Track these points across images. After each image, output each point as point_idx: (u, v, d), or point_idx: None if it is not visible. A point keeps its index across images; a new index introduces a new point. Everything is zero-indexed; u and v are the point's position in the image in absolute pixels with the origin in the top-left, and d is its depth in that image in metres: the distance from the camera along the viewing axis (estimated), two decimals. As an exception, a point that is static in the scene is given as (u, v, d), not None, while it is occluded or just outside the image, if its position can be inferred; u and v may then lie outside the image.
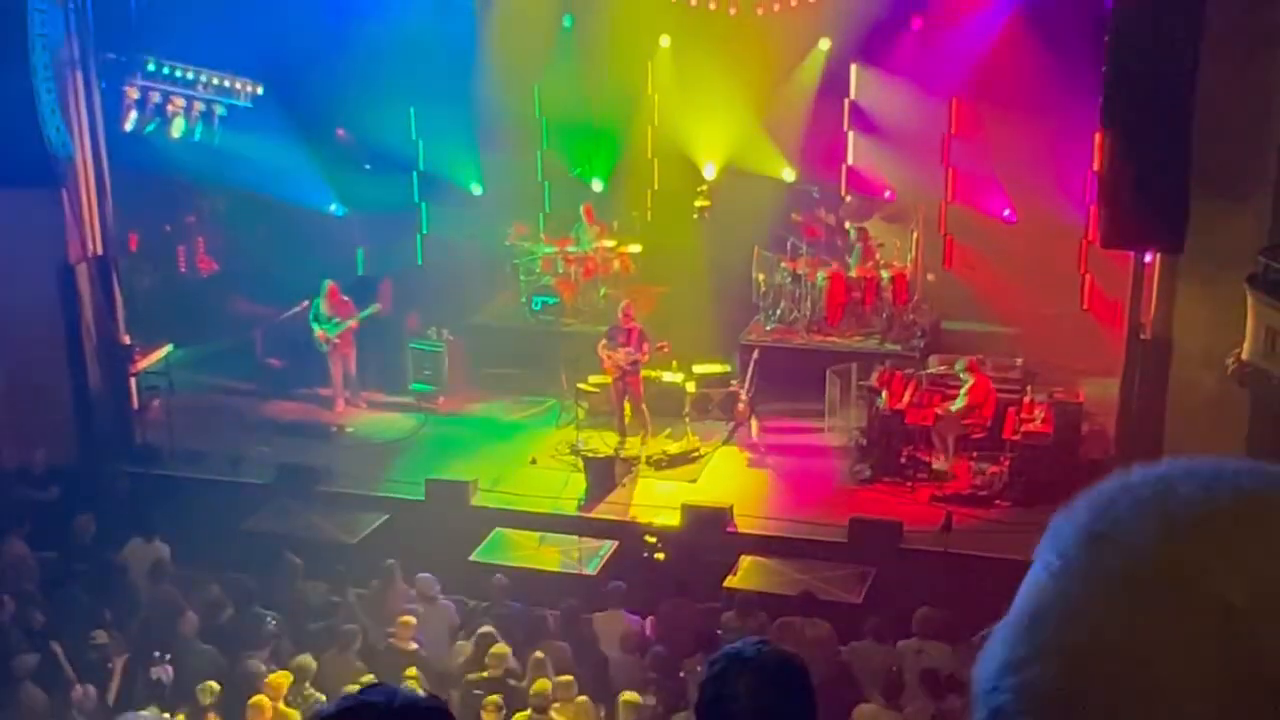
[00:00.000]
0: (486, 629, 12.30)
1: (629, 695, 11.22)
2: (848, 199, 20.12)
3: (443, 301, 19.48)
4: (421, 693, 2.00)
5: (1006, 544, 14.44)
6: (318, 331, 17.89)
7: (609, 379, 16.96)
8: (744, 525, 14.96)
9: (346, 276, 19.29)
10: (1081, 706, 1.11)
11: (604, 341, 16.82)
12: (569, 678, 11.46)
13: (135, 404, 16.94)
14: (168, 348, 17.41)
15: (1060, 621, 1.15)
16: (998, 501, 15.26)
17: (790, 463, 16.53)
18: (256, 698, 11.07)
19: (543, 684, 11.35)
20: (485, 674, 11.71)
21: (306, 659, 11.77)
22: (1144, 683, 1.08)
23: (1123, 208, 13.01)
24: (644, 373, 16.83)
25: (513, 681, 11.68)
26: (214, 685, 11.41)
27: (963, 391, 15.99)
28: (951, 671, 11.83)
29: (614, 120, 20.77)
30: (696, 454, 16.66)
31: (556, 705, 11.29)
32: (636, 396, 16.78)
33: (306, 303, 18.53)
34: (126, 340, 16.91)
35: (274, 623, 12.62)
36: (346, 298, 18.09)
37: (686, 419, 17.01)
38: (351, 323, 17.95)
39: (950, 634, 12.23)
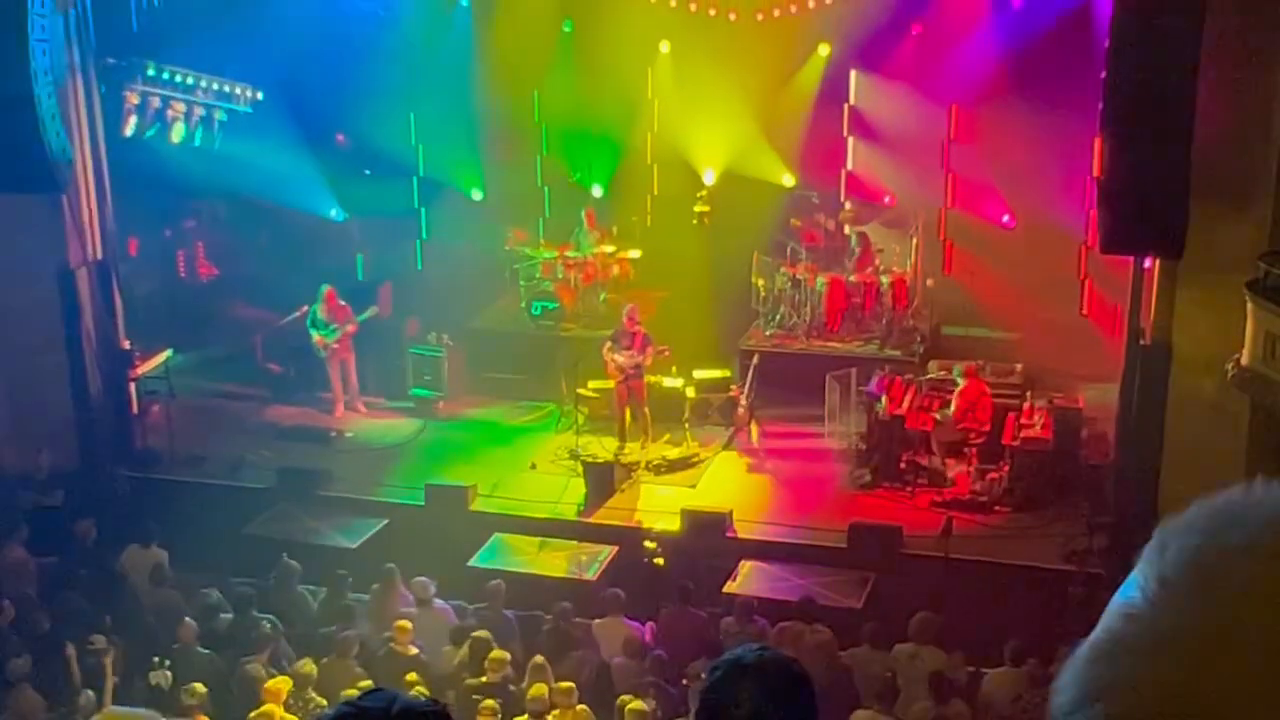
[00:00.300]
0: (481, 634, 12.29)
1: (634, 703, 11.21)
2: (847, 204, 20.13)
3: (442, 307, 19.49)
4: (421, 697, 1.99)
5: (1007, 549, 14.50)
6: (315, 337, 17.89)
7: (609, 384, 16.99)
8: (744, 530, 14.97)
9: (346, 282, 19.30)
10: None
11: (608, 344, 16.84)
12: (570, 684, 11.45)
13: (135, 409, 16.92)
14: (167, 353, 17.41)
15: (1152, 654, 1.09)
16: (998, 507, 15.27)
17: (790, 468, 16.53)
18: (265, 708, 11.06)
19: (539, 689, 11.34)
20: (484, 679, 11.71)
21: (308, 664, 11.77)
22: None
23: (1122, 213, 13.01)
24: (645, 377, 16.86)
25: (512, 687, 11.67)
26: (199, 687, 11.39)
27: (955, 395, 16.01)
28: (954, 676, 11.85)
29: (614, 126, 20.77)
30: (696, 459, 16.66)
31: (556, 712, 11.29)
32: (639, 400, 16.81)
33: (306, 308, 18.52)
34: (126, 345, 16.90)
35: (271, 627, 12.59)
36: (344, 303, 18.07)
37: (686, 424, 17.01)
38: (349, 327, 17.93)
39: (946, 639, 12.23)
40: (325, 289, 17.98)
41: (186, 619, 12.66)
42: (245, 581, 13.84)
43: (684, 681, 11.76)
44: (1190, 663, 1.06)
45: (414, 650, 12.30)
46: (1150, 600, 1.11)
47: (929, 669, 11.76)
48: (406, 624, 12.47)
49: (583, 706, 11.37)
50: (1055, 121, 17.42)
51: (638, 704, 11.12)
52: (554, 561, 14.70)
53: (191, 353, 18.45)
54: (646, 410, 16.89)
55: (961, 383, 16.01)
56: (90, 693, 11.70)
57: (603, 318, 19.23)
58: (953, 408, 15.90)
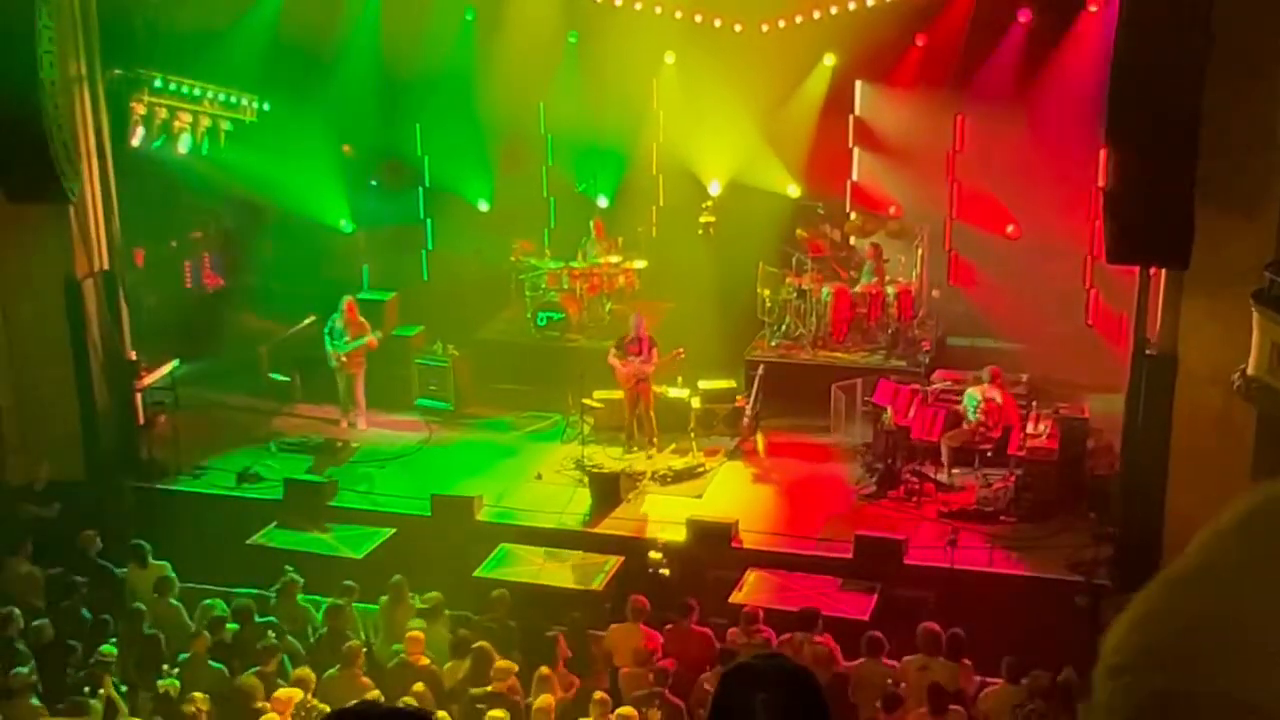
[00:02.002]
0: (482, 644, 12.29)
1: (624, 709, 11.23)
2: (853, 215, 20.14)
3: (448, 317, 19.51)
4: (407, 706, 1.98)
5: (1012, 560, 14.48)
6: (330, 348, 17.81)
7: (615, 394, 17.06)
8: (749, 540, 14.95)
9: (352, 293, 19.32)
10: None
11: (613, 351, 16.86)
12: (603, 694, 11.45)
13: (141, 419, 16.93)
14: (173, 363, 17.42)
15: (1193, 583, 1.20)
16: (1004, 517, 15.24)
17: (795, 478, 16.52)
18: (266, 717, 11.06)
19: (545, 699, 11.33)
20: (489, 689, 11.70)
21: (303, 669, 11.78)
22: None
23: (1128, 223, 13.00)
24: (652, 387, 16.92)
25: (515, 697, 11.65)
26: (199, 695, 11.42)
27: (974, 405, 15.92)
28: (957, 687, 11.82)
29: (619, 136, 20.80)
30: (702, 469, 16.66)
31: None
32: (646, 404, 16.85)
33: (312, 318, 18.53)
34: (132, 356, 16.92)
35: (275, 638, 12.58)
36: (363, 319, 17.98)
37: (692, 434, 17.01)
38: (366, 341, 17.76)
39: (952, 649, 12.21)
40: (346, 299, 17.94)
41: (205, 632, 12.68)
42: (250, 593, 13.86)
43: (686, 690, 11.76)
44: (1223, 591, 1.15)
45: (425, 661, 12.30)
46: (1200, 543, 1.23)
47: (935, 680, 11.73)
48: (418, 634, 12.47)
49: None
50: (1061, 132, 17.44)
51: (628, 710, 11.12)
52: (559, 572, 14.70)
53: (197, 363, 18.47)
54: (653, 414, 16.92)
55: (979, 396, 15.94)
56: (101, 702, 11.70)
57: (608, 328, 19.25)
58: (979, 415, 15.86)
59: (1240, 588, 1.15)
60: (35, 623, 12.98)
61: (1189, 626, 1.16)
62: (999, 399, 15.96)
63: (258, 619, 13.06)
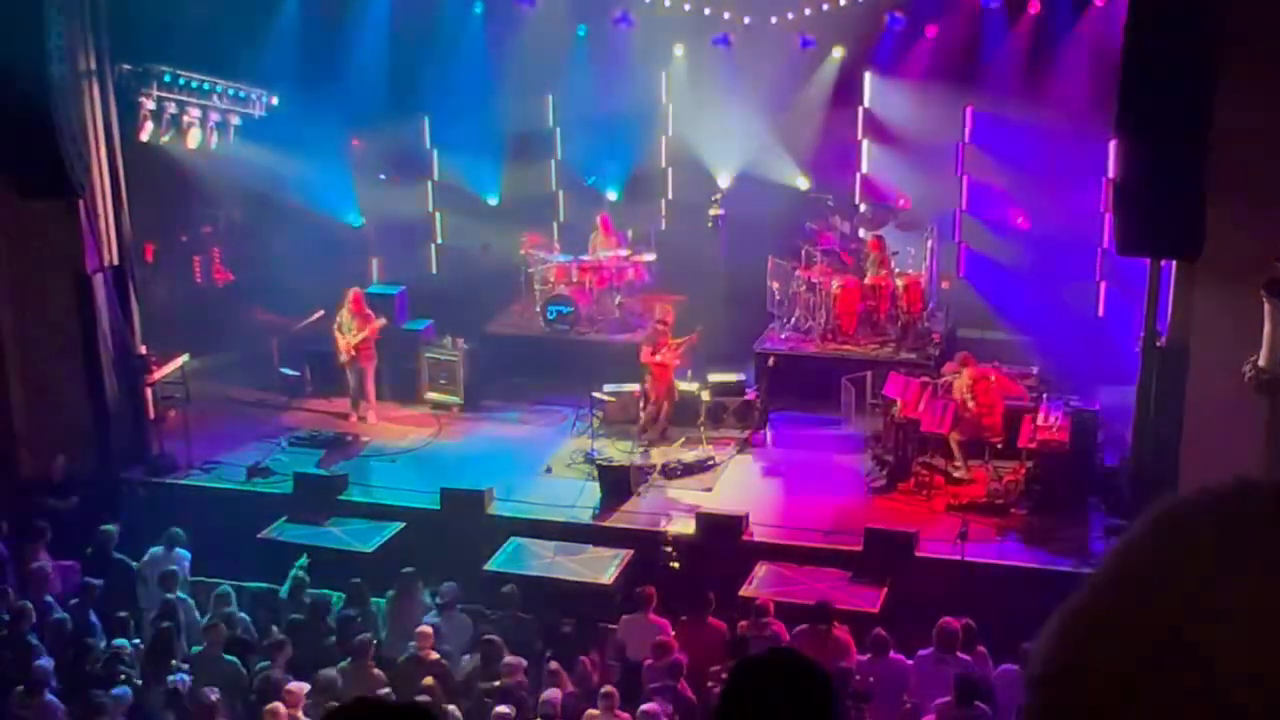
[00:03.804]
0: (492, 638, 12.30)
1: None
2: (862, 207, 20.12)
3: (457, 310, 19.51)
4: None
5: (1023, 552, 14.45)
6: (338, 340, 17.85)
7: (624, 387, 17.09)
8: (758, 533, 14.94)
9: (362, 286, 19.35)
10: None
11: (648, 349, 16.90)
12: (611, 689, 11.45)
13: (151, 414, 16.96)
14: (184, 358, 17.43)
15: (1104, 587, 1.22)
16: (1014, 510, 15.21)
17: (805, 471, 16.50)
18: (271, 705, 11.08)
19: (553, 694, 11.33)
20: (497, 683, 11.71)
21: (329, 673, 11.80)
22: None
23: (1138, 214, 12.98)
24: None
25: (524, 693, 11.65)
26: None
27: (965, 386, 15.86)
28: (976, 680, 11.80)
29: (628, 129, 20.79)
30: (711, 462, 16.65)
31: (594, 712, 11.28)
32: (672, 394, 16.90)
33: (321, 312, 18.54)
34: (143, 350, 16.94)
35: (283, 634, 12.59)
36: (370, 311, 18.02)
37: (701, 427, 17.01)
38: (369, 331, 17.83)
39: (967, 641, 12.18)
40: (350, 291, 17.97)
41: (220, 624, 12.70)
42: (260, 587, 13.88)
43: (702, 684, 11.76)
44: (1131, 592, 1.17)
45: (436, 655, 12.30)
46: (1112, 547, 1.24)
47: (953, 673, 11.71)
48: (428, 629, 12.49)
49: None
50: (1070, 123, 17.41)
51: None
52: (569, 565, 14.70)
53: (208, 358, 18.49)
54: (671, 396, 16.98)
55: (990, 375, 15.89)
56: (118, 695, 11.71)
57: (618, 321, 19.25)
58: (972, 402, 15.80)
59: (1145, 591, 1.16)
60: (54, 617, 13.03)
61: (1106, 629, 1.18)
62: (992, 376, 15.91)
63: (271, 614, 13.10)
